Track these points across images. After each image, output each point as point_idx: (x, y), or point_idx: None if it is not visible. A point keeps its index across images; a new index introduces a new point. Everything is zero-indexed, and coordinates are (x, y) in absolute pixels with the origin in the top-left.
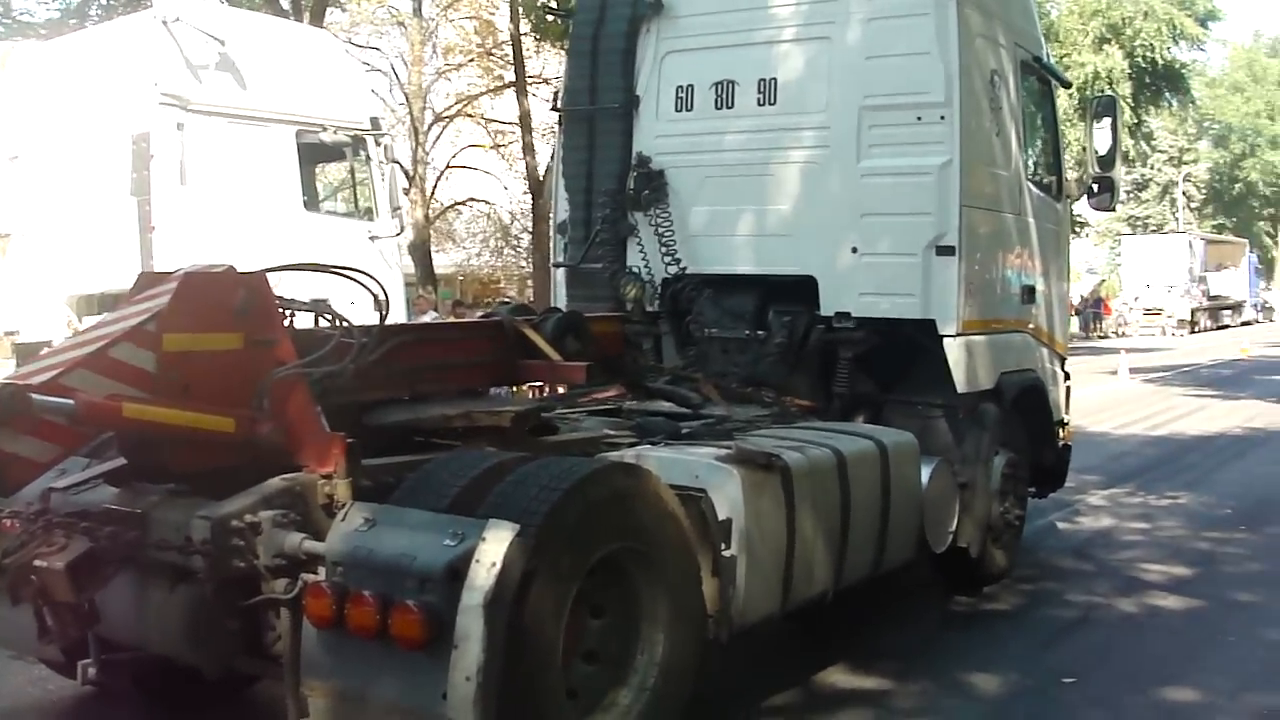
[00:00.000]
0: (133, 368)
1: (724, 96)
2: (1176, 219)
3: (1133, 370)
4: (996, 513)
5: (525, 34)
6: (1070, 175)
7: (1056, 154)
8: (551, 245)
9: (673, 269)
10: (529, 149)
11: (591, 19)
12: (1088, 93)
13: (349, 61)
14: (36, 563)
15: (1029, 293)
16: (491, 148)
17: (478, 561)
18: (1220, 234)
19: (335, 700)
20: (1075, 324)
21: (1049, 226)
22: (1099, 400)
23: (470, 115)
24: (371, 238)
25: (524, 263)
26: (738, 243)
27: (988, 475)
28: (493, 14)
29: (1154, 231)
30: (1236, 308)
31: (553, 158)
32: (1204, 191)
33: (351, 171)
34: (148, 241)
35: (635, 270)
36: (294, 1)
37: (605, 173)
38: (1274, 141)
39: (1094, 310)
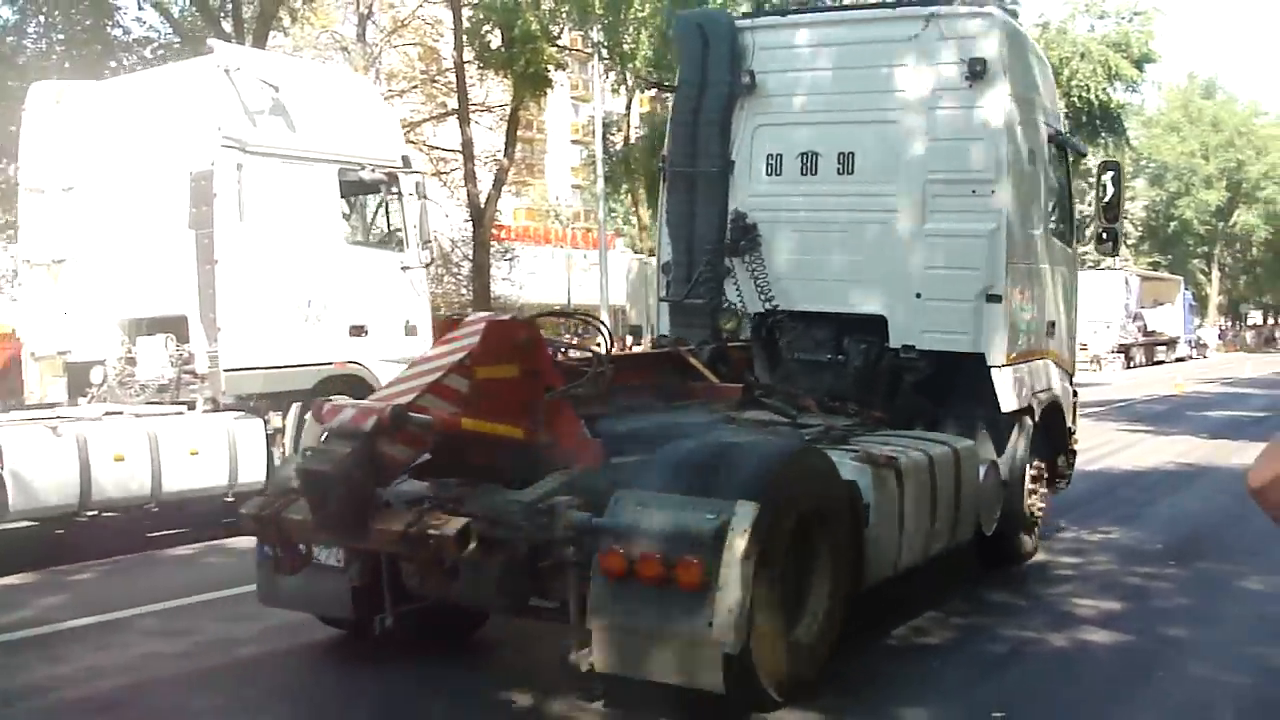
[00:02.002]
0: (455, 391)
1: (809, 165)
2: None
3: None
4: (1028, 505)
5: (469, 61)
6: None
7: (1071, 207)
8: (657, 282)
9: (766, 305)
10: (470, 177)
11: (693, 94)
12: None
13: (383, 103)
14: (430, 532)
15: (1051, 326)
16: (433, 175)
17: (733, 530)
18: (1156, 271)
19: (615, 632)
20: None
21: (1064, 269)
22: None
23: (413, 142)
24: (404, 268)
25: (464, 290)
26: (821, 286)
27: (1023, 475)
28: (436, 41)
29: (1091, 268)
30: (1171, 344)
31: (496, 186)
32: (1140, 229)
33: (385, 206)
34: (210, 273)
35: (731, 305)
36: (236, 25)
37: (706, 224)
38: (1208, 181)
39: None
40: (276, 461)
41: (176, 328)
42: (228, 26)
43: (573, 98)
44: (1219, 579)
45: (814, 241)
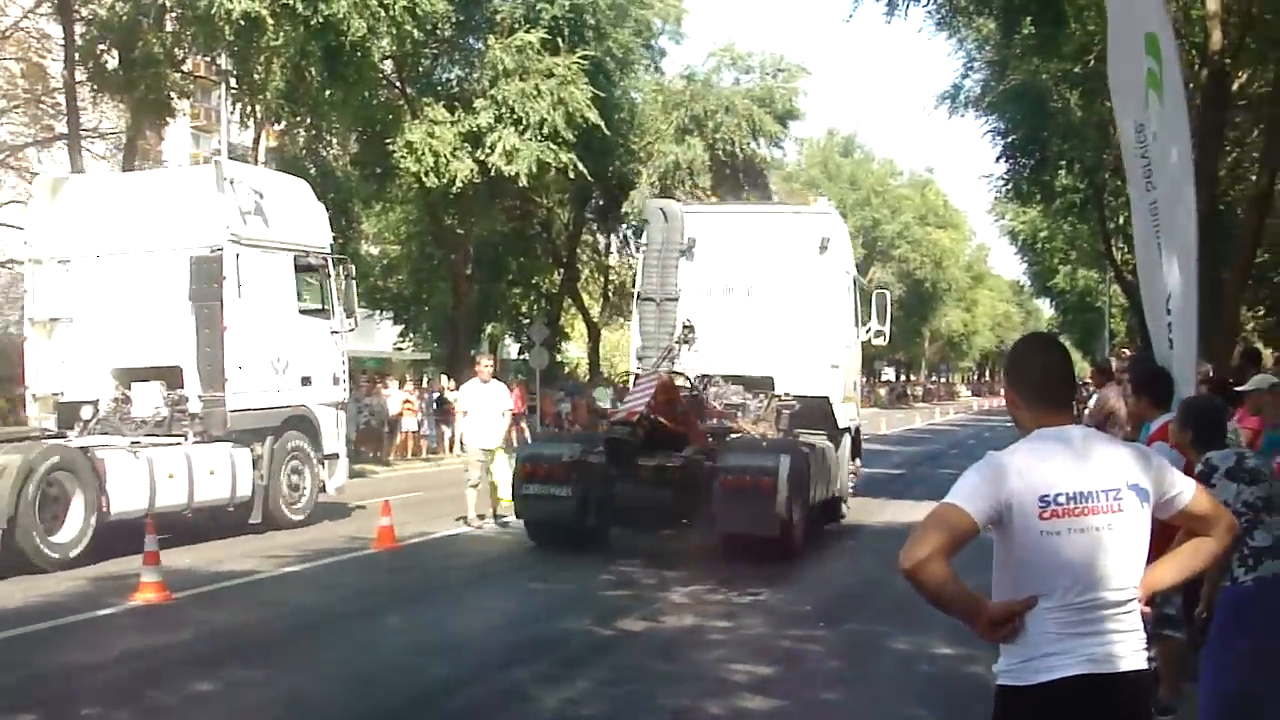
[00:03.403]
0: (653, 406)
1: (734, 291)
2: None
3: None
4: (847, 482)
5: (81, 82)
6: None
7: (859, 315)
8: (632, 359)
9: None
10: None
11: (657, 248)
12: (669, 181)
13: (317, 202)
14: (666, 464)
15: (854, 384)
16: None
17: (780, 466)
18: None
19: (726, 517)
20: None
21: (856, 348)
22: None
23: (13, 167)
24: (333, 332)
25: None
26: (733, 354)
27: (844, 462)
28: (44, 57)
29: None
30: None
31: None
32: None
33: (320, 283)
34: (216, 336)
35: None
36: None
37: (667, 327)
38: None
39: None
40: (260, 482)
41: (169, 376)
42: None
43: (194, 127)
44: (868, 640)
45: (727, 331)
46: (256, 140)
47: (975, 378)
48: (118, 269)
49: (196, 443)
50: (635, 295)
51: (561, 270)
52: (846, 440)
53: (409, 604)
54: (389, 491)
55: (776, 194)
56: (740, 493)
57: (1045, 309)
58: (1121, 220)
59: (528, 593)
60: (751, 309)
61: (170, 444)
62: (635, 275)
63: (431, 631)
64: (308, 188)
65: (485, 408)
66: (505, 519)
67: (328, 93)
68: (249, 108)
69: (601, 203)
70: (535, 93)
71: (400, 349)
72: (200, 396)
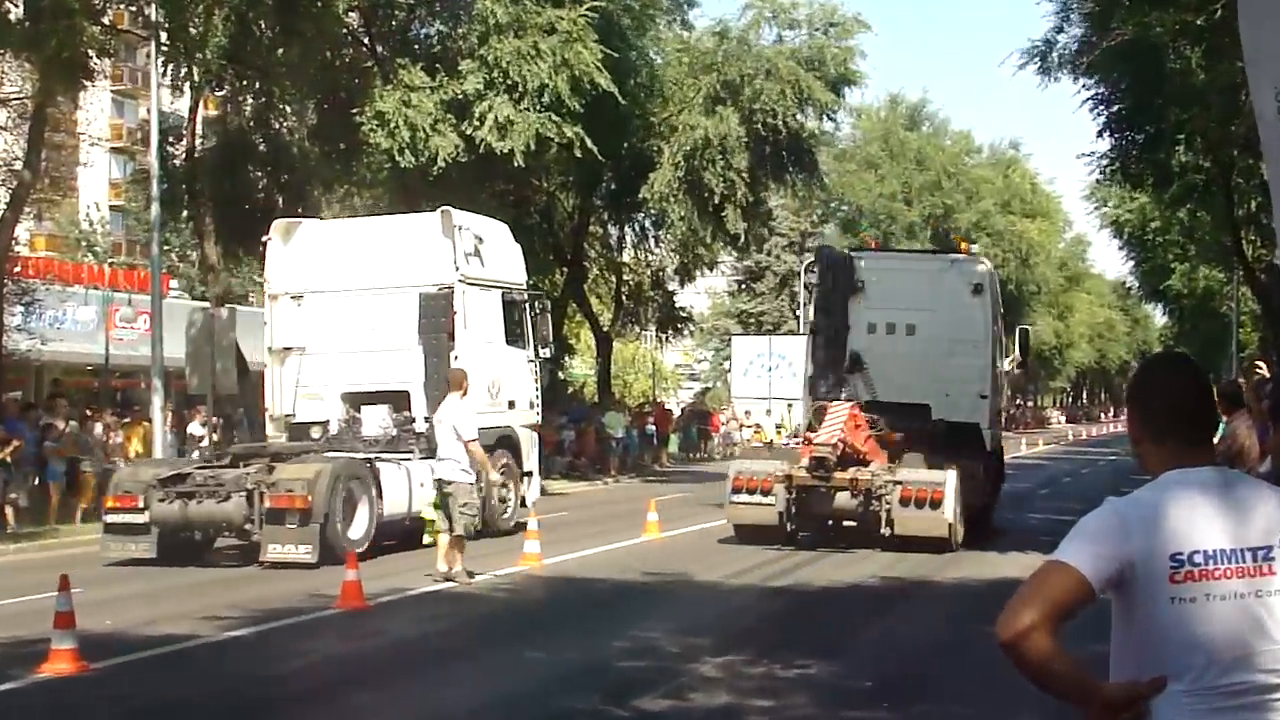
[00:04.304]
0: (839, 439)
1: (896, 328)
2: (797, 317)
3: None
4: (994, 498)
5: None
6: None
7: (1004, 350)
8: (804, 389)
9: (869, 399)
10: None
11: (828, 289)
12: (697, 161)
13: (514, 242)
14: (856, 476)
15: (999, 411)
16: None
17: (948, 481)
18: None
19: (902, 520)
20: (674, 443)
21: (1002, 380)
22: (706, 542)
23: None
24: (529, 361)
25: None
26: (903, 387)
27: (990, 479)
28: None
29: (769, 331)
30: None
31: (13, 206)
32: None
33: (519, 318)
34: (447, 363)
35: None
36: None
37: (836, 356)
38: (910, 229)
39: (699, 426)
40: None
41: (395, 399)
42: None
43: (117, 92)
44: None
45: (892, 368)
46: (194, 109)
47: (1069, 400)
48: (347, 304)
49: (423, 458)
50: (810, 331)
51: (565, 269)
52: (993, 461)
53: (376, 679)
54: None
55: (828, 175)
56: (919, 501)
57: (1157, 316)
58: (1254, 206)
59: (524, 664)
60: (911, 344)
61: (415, 459)
62: (651, 278)
63: (401, 715)
64: (508, 230)
65: (443, 432)
66: (473, 571)
67: (280, 51)
68: (184, 69)
69: (614, 187)
70: (534, 52)
71: None
72: (426, 418)
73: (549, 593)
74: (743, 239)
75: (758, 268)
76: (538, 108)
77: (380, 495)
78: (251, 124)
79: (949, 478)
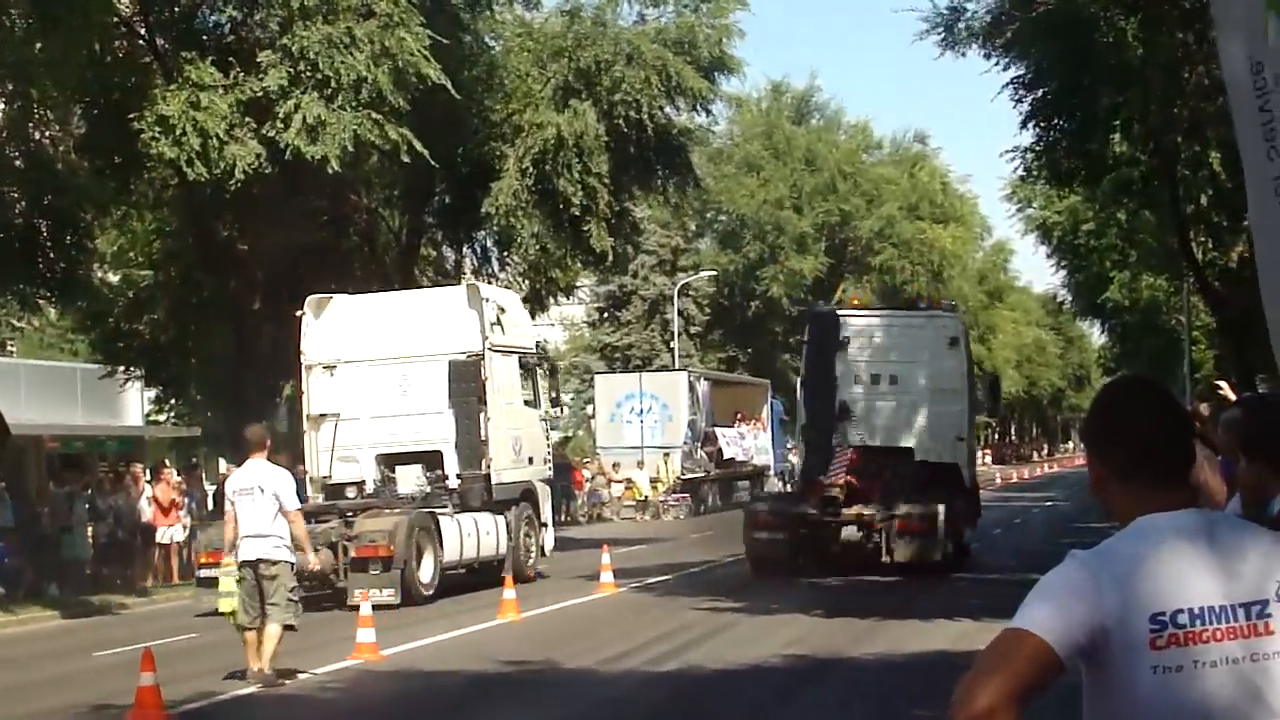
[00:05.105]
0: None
1: (880, 379)
2: (671, 349)
3: (620, 574)
4: (974, 528)
5: None
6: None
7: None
8: (798, 440)
9: (860, 444)
10: None
11: (818, 344)
12: (548, 165)
13: (523, 309)
14: (864, 513)
15: (973, 452)
16: None
17: (940, 512)
18: (732, 371)
19: (905, 547)
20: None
21: (974, 424)
22: (574, 621)
23: None
24: (542, 419)
25: None
26: (888, 432)
27: (969, 512)
28: None
29: (639, 366)
30: (756, 476)
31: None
32: (708, 311)
33: (532, 379)
34: (479, 426)
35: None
36: None
37: (826, 406)
38: (801, 242)
39: (559, 483)
40: (510, 543)
41: (427, 459)
42: None
43: None
44: None
45: (880, 416)
46: None
47: (995, 437)
48: (378, 372)
49: (457, 513)
50: (800, 384)
51: None
52: (970, 497)
53: None
54: (150, 635)
55: (704, 180)
56: (914, 532)
57: (1094, 334)
58: (1204, 201)
59: None
60: (895, 393)
61: (452, 514)
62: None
63: None
64: (516, 295)
65: (254, 502)
66: (288, 670)
67: (38, 46)
68: None
69: (449, 200)
70: (347, 40)
71: (156, 422)
72: (459, 475)
73: (391, 692)
74: (610, 257)
75: (622, 292)
76: (354, 106)
77: (441, 544)
78: (4, 134)
79: (939, 511)
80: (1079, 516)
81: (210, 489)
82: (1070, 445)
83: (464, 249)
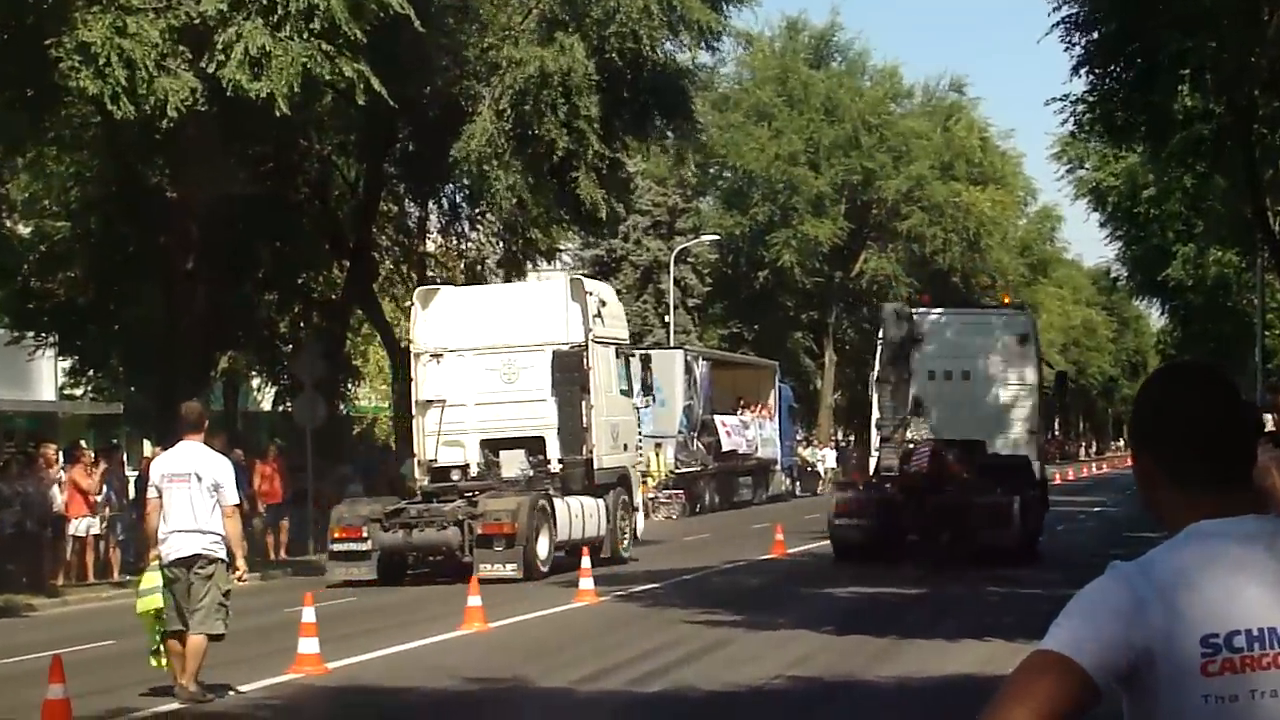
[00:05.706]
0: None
1: (953, 375)
2: (666, 324)
3: (601, 580)
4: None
5: None
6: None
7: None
8: (872, 429)
9: (923, 433)
10: None
11: (896, 343)
12: (529, 107)
13: (618, 300)
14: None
15: (1042, 445)
16: None
17: (1015, 501)
18: (738, 351)
19: (964, 535)
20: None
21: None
22: (548, 633)
23: None
24: (635, 407)
25: None
26: (961, 425)
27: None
28: None
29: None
30: (761, 471)
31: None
32: (709, 281)
33: (626, 369)
34: (582, 414)
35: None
36: None
37: (901, 401)
38: (817, 203)
39: None
40: (609, 525)
41: (530, 445)
42: None
43: None
44: None
45: (951, 403)
46: None
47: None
48: (483, 360)
49: (556, 496)
50: (873, 379)
51: (346, 263)
52: (1040, 491)
53: None
54: (61, 641)
55: (705, 130)
56: (992, 521)
57: (1153, 315)
58: None
59: None
60: (967, 388)
61: (567, 496)
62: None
63: None
64: (610, 288)
65: (188, 491)
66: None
67: None
68: None
69: (412, 148)
70: None
71: (71, 396)
72: (560, 460)
73: (336, 711)
74: (601, 213)
75: (611, 258)
76: (304, 36)
77: (555, 524)
78: None
79: (1015, 501)
80: (1132, 525)
81: (132, 475)
82: (1122, 443)
83: (428, 204)
